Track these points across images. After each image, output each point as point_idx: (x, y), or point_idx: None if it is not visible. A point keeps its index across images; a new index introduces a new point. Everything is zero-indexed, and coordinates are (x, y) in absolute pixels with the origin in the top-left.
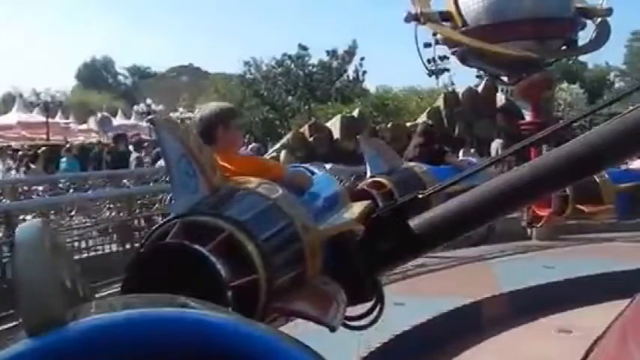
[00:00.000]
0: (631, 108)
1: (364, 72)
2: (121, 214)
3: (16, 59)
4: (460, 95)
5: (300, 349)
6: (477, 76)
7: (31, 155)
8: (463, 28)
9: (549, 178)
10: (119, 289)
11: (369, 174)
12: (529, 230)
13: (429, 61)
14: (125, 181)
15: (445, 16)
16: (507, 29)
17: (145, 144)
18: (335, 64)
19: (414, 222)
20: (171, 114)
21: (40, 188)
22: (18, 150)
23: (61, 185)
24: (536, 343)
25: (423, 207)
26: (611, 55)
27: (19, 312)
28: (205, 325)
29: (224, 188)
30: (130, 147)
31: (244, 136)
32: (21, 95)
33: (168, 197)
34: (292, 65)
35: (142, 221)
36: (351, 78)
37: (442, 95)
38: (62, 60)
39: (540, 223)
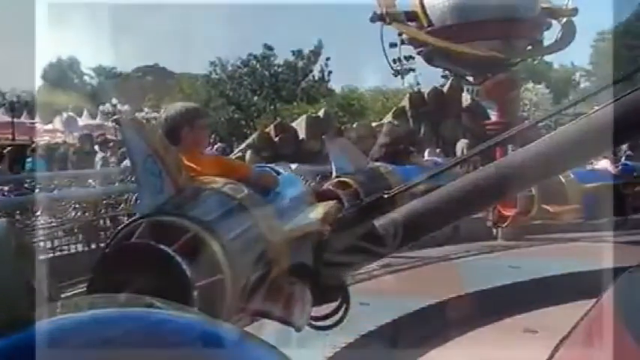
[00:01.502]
0: (596, 108)
1: (330, 72)
2: (87, 214)
3: None
4: (426, 95)
5: (265, 349)
6: (443, 76)
7: None
8: (429, 28)
9: (515, 178)
10: (85, 289)
11: (334, 174)
12: (495, 230)
13: (394, 61)
14: (91, 181)
15: (411, 16)
16: (473, 29)
17: (111, 144)
18: (300, 64)
19: (379, 222)
20: (136, 114)
21: (6, 188)
22: None
23: (26, 185)
24: (502, 343)
25: (388, 207)
26: (576, 56)
27: None
28: (170, 325)
29: (190, 188)
30: (96, 147)
31: (210, 136)
32: None
33: (134, 197)
34: (258, 65)
35: (108, 221)
36: (316, 78)
37: (408, 95)
38: (28, 60)
39: (506, 223)
